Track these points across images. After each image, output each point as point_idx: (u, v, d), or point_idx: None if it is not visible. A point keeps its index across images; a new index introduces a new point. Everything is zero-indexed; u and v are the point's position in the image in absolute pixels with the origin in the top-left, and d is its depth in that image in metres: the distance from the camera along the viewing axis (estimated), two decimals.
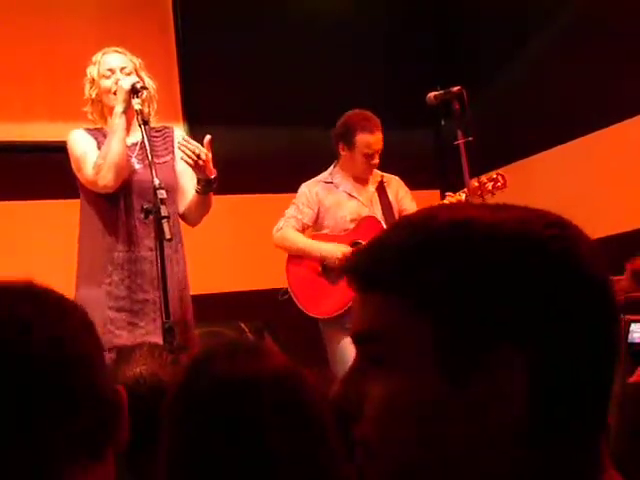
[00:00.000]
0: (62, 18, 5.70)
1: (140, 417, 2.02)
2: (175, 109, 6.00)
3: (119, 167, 3.41)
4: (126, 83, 3.42)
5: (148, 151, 3.25)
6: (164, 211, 3.07)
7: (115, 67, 3.54)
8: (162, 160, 3.57)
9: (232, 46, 6.19)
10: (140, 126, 3.33)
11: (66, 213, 5.19)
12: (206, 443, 1.11)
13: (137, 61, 3.61)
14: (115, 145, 3.41)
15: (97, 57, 3.60)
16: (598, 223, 5.61)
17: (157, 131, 3.66)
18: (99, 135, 3.58)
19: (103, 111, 3.60)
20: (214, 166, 3.49)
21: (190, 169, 3.51)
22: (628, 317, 2.10)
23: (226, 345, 1.27)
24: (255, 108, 6.15)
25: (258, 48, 6.22)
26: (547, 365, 0.71)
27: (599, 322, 0.75)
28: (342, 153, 4.44)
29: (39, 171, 5.43)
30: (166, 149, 3.65)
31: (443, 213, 0.77)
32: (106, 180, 3.41)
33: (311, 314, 4.40)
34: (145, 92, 3.44)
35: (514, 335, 0.71)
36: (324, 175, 4.55)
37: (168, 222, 3.06)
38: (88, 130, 3.61)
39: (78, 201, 3.67)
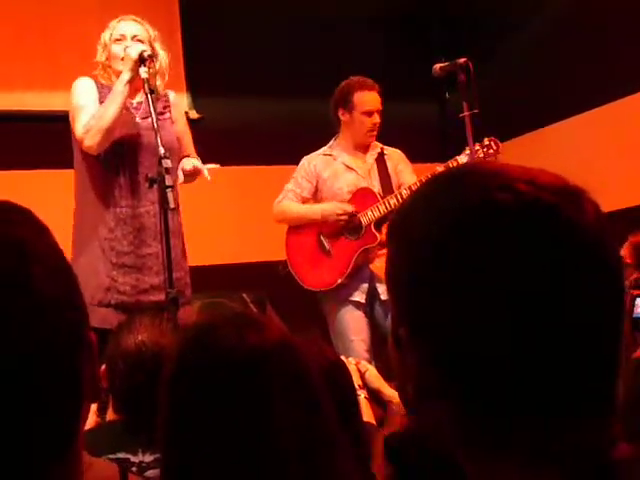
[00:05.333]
0: None
1: (142, 382, 2.05)
2: (179, 80, 5.95)
3: (108, 133, 3.42)
4: (134, 51, 3.40)
5: (154, 120, 3.23)
6: (168, 180, 3.05)
7: (127, 34, 3.56)
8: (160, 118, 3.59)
9: (234, 17, 6.15)
10: (146, 94, 3.30)
11: (67, 183, 5.18)
12: (208, 413, 1.11)
13: (153, 33, 3.63)
14: (111, 111, 3.41)
15: (113, 23, 3.62)
16: (605, 197, 5.59)
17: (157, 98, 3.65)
18: (106, 91, 3.57)
19: (111, 76, 3.60)
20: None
21: (187, 132, 3.73)
22: (633, 292, 2.09)
23: (227, 317, 1.27)
24: (257, 79, 6.11)
25: (260, 19, 6.18)
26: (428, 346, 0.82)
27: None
28: (342, 118, 4.43)
29: (40, 141, 5.41)
30: (164, 108, 3.68)
31: None
32: (91, 142, 3.43)
33: (307, 286, 4.42)
34: (156, 61, 3.47)
35: (405, 320, 0.84)
36: (324, 148, 4.54)
37: (172, 191, 3.05)
38: (97, 82, 3.62)
39: None
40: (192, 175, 3.51)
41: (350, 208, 4.33)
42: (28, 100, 5.60)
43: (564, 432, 0.77)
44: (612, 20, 5.45)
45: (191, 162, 3.51)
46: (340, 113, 4.42)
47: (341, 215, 4.32)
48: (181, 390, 1.16)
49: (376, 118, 4.37)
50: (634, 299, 2.08)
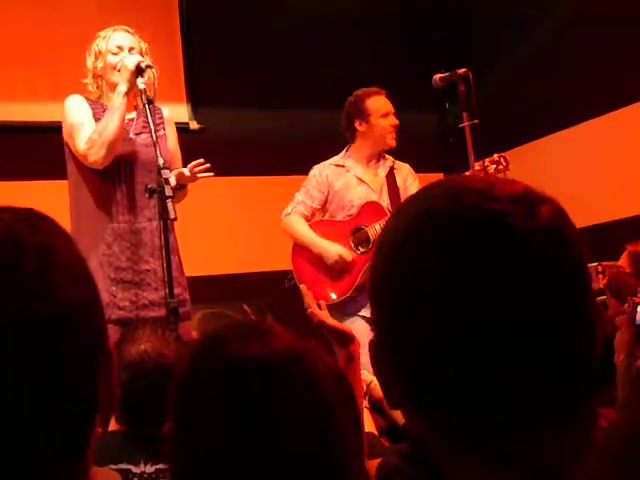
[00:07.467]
0: None
1: (145, 392, 2.05)
2: (179, 91, 5.98)
3: (112, 146, 3.40)
4: (131, 62, 3.39)
5: (153, 131, 3.23)
6: (168, 191, 3.05)
7: (124, 46, 3.55)
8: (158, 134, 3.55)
9: (236, 28, 6.16)
10: (145, 105, 3.30)
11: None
12: (218, 426, 1.11)
13: (144, 45, 3.62)
14: (113, 123, 3.40)
15: (107, 32, 3.60)
16: (604, 207, 5.60)
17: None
18: (98, 107, 3.56)
19: (102, 85, 3.60)
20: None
21: (178, 150, 3.67)
22: (635, 299, 2.08)
23: (234, 327, 1.27)
24: (259, 90, 6.12)
25: (262, 29, 6.20)
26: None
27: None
28: (360, 129, 4.42)
29: (42, 151, 5.41)
30: (157, 125, 3.61)
31: None
32: (97, 157, 3.41)
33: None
34: (149, 71, 3.41)
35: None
36: (336, 158, 4.53)
37: (172, 202, 3.04)
38: (88, 99, 3.60)
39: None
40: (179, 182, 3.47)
41: (349, 257, 4.31)
42: (31, 111, 5.60)
43: (526, 436, 0.77)
44: (613, 28, 5.45)
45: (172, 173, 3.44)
46: (357, 124, 4.41)
47: (337, 261, 4.31)
48: (188, 398, 1.16)
49: (394, 120, 4.40)
50: (636, 306, 2.07)
